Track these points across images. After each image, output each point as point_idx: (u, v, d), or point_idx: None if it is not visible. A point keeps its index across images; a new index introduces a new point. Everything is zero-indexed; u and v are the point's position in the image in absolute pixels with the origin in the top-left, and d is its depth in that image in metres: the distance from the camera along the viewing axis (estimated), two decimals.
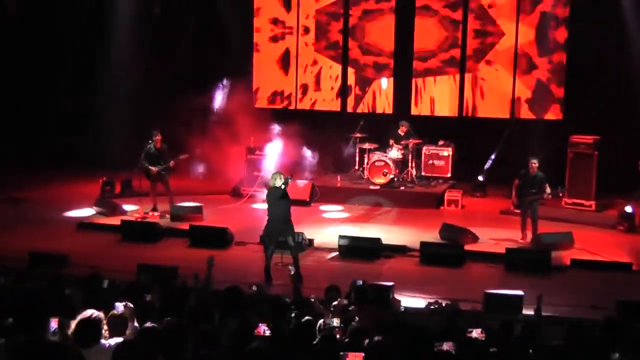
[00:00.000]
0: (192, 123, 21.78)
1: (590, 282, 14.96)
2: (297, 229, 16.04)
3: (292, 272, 12.78)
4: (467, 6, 23.06)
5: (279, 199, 14.95)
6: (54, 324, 8.29)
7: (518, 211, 17.69)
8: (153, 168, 18.98)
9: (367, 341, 8.08)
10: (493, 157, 21.80)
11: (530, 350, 8.67)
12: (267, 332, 8.15)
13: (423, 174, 22.29)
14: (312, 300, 11.09)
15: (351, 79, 24.37)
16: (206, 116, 22.70)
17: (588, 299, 13.25)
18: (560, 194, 17.93)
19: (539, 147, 19.29)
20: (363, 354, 7.25)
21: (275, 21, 24.62)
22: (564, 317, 11.68)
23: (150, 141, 19.15)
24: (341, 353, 7.24)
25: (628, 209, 18.59)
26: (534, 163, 17.18)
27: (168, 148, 19.41)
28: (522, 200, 17.29)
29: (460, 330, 9.18)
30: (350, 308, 10.48)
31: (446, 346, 8.17)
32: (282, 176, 15.14)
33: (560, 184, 18.68)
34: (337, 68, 24.38)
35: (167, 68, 23.16)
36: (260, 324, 8.27)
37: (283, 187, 14.91)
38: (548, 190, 17.04)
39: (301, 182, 21.13)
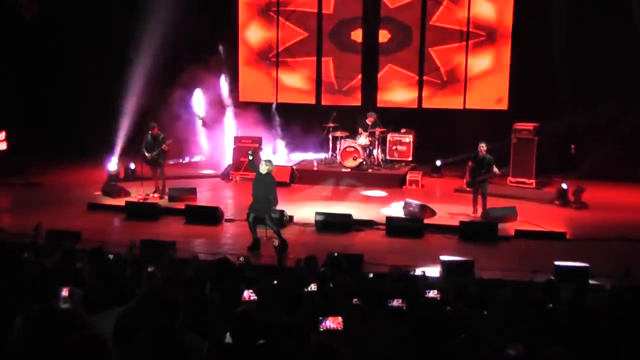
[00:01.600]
0: (186, 115, 21.79)
1: (531, 249, 15.09)
2: (279, 207, 16.10)
3: (276, 244, 12.70)
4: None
5: (265, 183, 15.06)
6: (64, 293, 8.31)
7: (470, 189, 17.78)
8: (147, 154, 19.01)
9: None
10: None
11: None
12: (253, 297, 8.18)
13: (388, 158, 22.28)
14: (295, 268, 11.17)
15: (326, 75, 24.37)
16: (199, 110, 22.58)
17: (530, 264, 13.29)
18: (498, 172, 17.90)
19: (487, 134, 19.37)
20: (341, 317, 7.27)
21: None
22: (510, 280, 11.75)
23: (149, 132, 19.18)
24: (320, 318, 7.25)
25: (563, 186, 18.74)
26: (483, 147, 17.23)
27: (164, 137, 19.42)
28: (473, 180, 17.35)
29: (420, 292, 9.26)
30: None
31: (396, 302, 8.25)
32: (270, 163, 15.26)
33: (505, 164, 18.70)
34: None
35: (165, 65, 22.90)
36: (246, 290, 8.30)
37: (268, 171, 15.02)
38: (496, 170, 17.08)
39: (282, 166, 21.19)
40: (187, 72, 22.27)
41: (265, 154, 20.96)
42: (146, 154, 19.03)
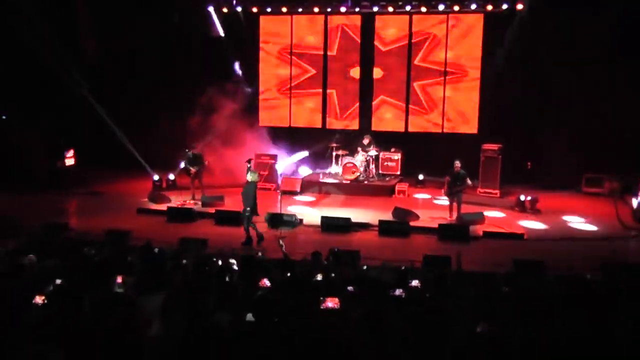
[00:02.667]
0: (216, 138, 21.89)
1: (495, 247, 15.18)
2: (292, 212, 16.14)
3: (282, 243, 12.43)
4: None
5: (247, 189, 15.29)
6: (119, 280, 8.42)
7: (447, 197, 17.87)
8: (192, 169, 19.14)
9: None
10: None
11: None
12: (268, 284, 8.27)
13: (380, 172, 22.31)
14: (305, 260, 11.20)
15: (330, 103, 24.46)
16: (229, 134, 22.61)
17: (494, 259, 13.46)
18: (470, 184, 17.96)
19: (460, 153, 19.41)
20: (338, 299, 7.35)
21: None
22: (479, 272, 11.72)
23: (187, 150, 19.32)
24: (321, 298, 7.33)
25: (521, 196, 18.81)
26: (457, 164, 17.39)
27: (202, 154, 19.57)
28: (450, 191, 17.47)
29: (405, 281, 9.32)
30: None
31: (398, 292, 8.34)
32: (254, 174, 15.56)
33: (475, 177, 18.95)
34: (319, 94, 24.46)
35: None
36: (263, 279, 8.38)
37: (252, 181, 15.35)
38: (469, 182, 17.24)
39: (294, 178, 21.27)
40: (215, 100, 22.41)
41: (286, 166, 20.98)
42: (191, 168, 19.17)
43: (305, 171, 23.08)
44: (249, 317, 6.44)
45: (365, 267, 11.58)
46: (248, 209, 15.26)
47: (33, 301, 7.02)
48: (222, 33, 23.87)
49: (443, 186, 18.00)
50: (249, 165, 16.15)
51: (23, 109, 21.40)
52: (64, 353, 5.14)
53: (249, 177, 15.41)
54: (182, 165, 19.47)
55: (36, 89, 20.50)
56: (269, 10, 23.39)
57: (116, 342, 5.04)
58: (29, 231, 14.81)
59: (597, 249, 14.70)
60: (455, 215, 17.42)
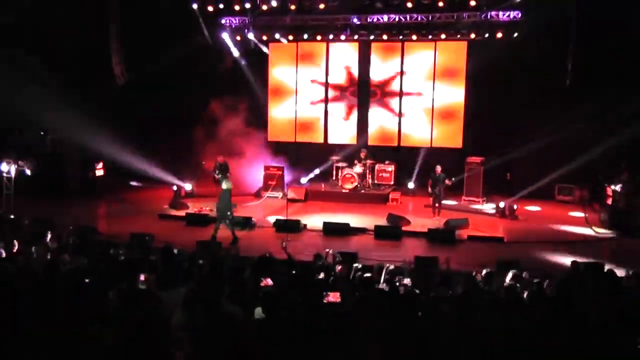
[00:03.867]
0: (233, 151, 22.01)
1: (479, 249, 15.17)
2: (296, 218, 16.17)
3: (284, 245, 11.99)
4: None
5: (221, 196, 15.51)
6: (142, 277, 8.49)
7: (431, 199, 18.51)
8: (217, 176, 19.20)
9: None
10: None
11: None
12: (270, 283, 8.30)
13: (376, 182, 22.31)
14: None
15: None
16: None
17: (478, 260, 13.41)
18: (449, 183, 18.45)
19: (447, 164, 19.50)
20: (339, 293, 7.43)
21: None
22: (463, 271, 11.77)
23: (216, 162, 19.62)
24: (324, 292, 7.41)
25: (501, 203, 18.89)
26: (438, 168, 18.35)
27: (227, 164, 19.80)
28: (433, 191, 18.11)
29: (393, 279, 9.39)
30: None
31: (382, 286, 8.49)
32: (227, 182, 15.72)
33: (458, 188, 19.80)
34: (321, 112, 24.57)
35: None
36: (265, 278, 8.41)
37: (227, 187, 15.51)
38: (448, 182, 18.14)
39: (299, 187, 21.31)
40: (228, 116, 22.55)
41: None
42: (215, 175, 19.29)
43: (308, 181, 23.09)
44: (258, 311, 6.50)
45: (360, 266, 11.63)
46: (229, 212, 15.54)
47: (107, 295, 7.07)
48: (236, 55, 23.97)
49: (427, 186, 18.64)
50: (219, 176, 16.23)
51: (59, 124, 21.50)
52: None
53: (224, 185, 15.62)
54: (216, 173, 19.50)
55: (71, 106, 20.58)
56: (277, 36, 23.46)
57: (143, 330, 5.13)
58: (63, 233, 14.90)
59: (567, 251, 14.76)
60: (437, 214, 17.87)
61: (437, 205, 18.32)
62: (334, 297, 7.17)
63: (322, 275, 9.52)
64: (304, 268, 10.20)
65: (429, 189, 18.43)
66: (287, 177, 22.17)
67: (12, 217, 17.03)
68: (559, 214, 19.18)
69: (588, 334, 6.27)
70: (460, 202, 20.48)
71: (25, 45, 20.22)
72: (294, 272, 9.77)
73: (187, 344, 5.76)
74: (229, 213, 15.67)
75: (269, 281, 8.22)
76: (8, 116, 19.88)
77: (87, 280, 8.03)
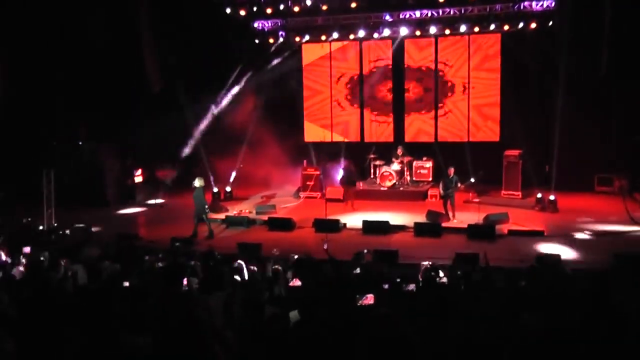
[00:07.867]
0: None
1: (519, 244, 15.02)
2: (336, 217, 16.20)
3: (325, 246, 12.29)
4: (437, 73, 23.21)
5: (196, 194, 16.45)
6: (184, 281, 8.64)
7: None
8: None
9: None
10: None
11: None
12: (298, 283, 8.34)
13: (414, 179, 22.21)
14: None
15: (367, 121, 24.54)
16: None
17: (518, 255, 13.39)
18: (472, 181, 18.28)
19: (485, 159, 19.29)
20: (372, 295, 7.46)
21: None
22: (504, 267, 11.70)
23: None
24: (357, 296, 7.45)
25: (539, 196, 18.70)
26: (451, 170, 17.68)
27: None
28: (445, 193, 17.61)
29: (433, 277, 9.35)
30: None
31: (411, 287, 8.51)
32: (200, 180, 16.62)
33: (496, 182, 19.60)
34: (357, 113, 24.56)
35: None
36: (294, 279, 8.46)
37: (199, 186, 16.50)
38: (460, 185, 17.49)
39: (338, 187, 21.33)
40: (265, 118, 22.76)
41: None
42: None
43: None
44: (294, 314, 6.56)
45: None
46: (206, 208, 16.47)
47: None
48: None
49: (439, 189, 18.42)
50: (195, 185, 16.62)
51: (99, 134, 21.91)
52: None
53: (196, 183, 16.46)
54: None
55: (110, 117, 20.99)
56: (307, 38, 23.54)
57: (184, 332, 5.23)
58: (105, 240, 15.23)
59: (607, 243, 14.54)
60: (451, 214, 17.47)
61: (449, 207, 17.66)
62: (368, 300, 7.24)
63: (359, 270, 9.53)
64: (344, 267, 10.21)
65: (440, 191, 17.98)
66: (325, 177, 22.24)
67: (55, 225, 17.47)
68: (600, 205, 18.89)
69: (628, 330, 6.19)
70: (499, 196, 20.29)
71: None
72: (334, 272, 9.81)
73: (231, 345, 5.85)
74: (206, 208, 16.57)
75: (297, 282, 8.29)
76: None
77: (127, 285, 8.23)
